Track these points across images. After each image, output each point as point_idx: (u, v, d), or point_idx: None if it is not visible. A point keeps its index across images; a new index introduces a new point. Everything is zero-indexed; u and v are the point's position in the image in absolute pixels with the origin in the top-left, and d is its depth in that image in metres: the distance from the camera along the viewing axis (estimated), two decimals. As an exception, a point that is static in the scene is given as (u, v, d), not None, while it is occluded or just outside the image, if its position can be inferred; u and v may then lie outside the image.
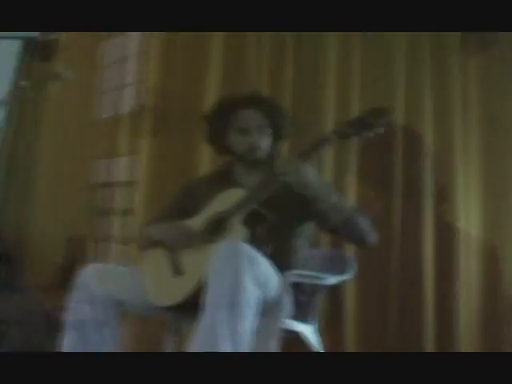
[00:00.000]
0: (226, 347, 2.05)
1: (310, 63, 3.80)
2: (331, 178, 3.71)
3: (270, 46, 3.86)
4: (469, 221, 3.63)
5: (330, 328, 3.61)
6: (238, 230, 2.38)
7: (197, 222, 2.52)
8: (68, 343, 2.42)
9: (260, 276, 2.18)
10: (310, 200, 2.38)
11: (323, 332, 3.55)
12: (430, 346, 3.59)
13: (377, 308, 3.65)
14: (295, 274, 2.49)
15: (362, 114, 2.39)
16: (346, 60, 3.72)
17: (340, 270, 2.74)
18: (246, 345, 2.11)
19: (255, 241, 2.33)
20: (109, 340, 2.46)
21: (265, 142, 2.62)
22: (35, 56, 3.81)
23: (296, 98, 3.78)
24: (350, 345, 3.58)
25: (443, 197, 3.77)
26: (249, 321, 2.13)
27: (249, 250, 2.19)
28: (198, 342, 2.07)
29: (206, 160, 3.53)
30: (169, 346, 2.72)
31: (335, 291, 3.57)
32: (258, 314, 2.21)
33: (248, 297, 2.12)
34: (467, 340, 3.65)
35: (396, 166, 3.73)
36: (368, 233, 2.50)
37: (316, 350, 2.62)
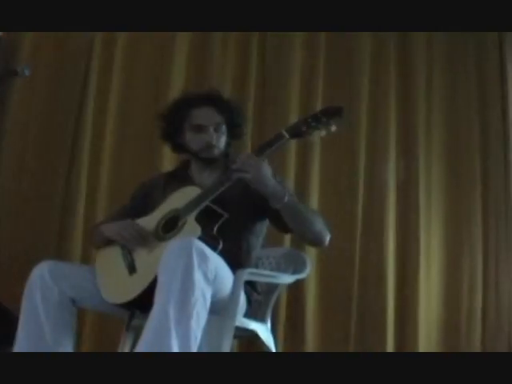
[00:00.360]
0: (174, 344, 2.04)
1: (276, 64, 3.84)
2: (293, 177, 3.76)
3: (234, 46, 3.89)
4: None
5: (290, 327, 3.64)
6: (191, 227, 2.37)
7: (151, 219, 2.52)
8: (22, 340, 2.39)
9: (211, 273, 2.18)
10: (265, 197, 2.39)
11: (284, 331, 3.60)
12: (390, 347, 3.64)
13: (338, 308, 3.69)
14: (249, 273, 2.49)
15: (314, 112, 2.40)
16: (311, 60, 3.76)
17: (297, 269, 2.74)
18: (195, 341, 2.11)
19: (208, 238, 2.33)
20: (65, 336, 2.44)
21: (221, 141, 2.63)
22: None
23: (260, 99, 3.82)
24: (310, 345, 3.62)
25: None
26: (199, 317, 2.13)
27: (200, 247, 2.19)
28: (147, 338, 2.06)
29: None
30: (126, 344, 2.71)
31: (295, 290, 3.61)
32: (209, 312, 2.21)
33: (198, 293, 2.12)
34: (427, 340, 3.71)
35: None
36: (324, 233, 2.50)
37: (269, 350, 2.62)
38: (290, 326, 3.62)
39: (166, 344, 2.04)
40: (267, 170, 2.34)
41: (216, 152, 2.61)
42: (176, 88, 3.71)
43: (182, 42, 3.88)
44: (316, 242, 2.55)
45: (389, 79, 3.97)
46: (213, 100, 2.64)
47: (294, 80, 3.83)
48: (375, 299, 3.72)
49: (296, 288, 3.57)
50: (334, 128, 2.36)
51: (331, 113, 2.38)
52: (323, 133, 2.37)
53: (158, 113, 2.72)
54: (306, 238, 2.54)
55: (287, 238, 3.52)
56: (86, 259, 3.47)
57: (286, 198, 2.35)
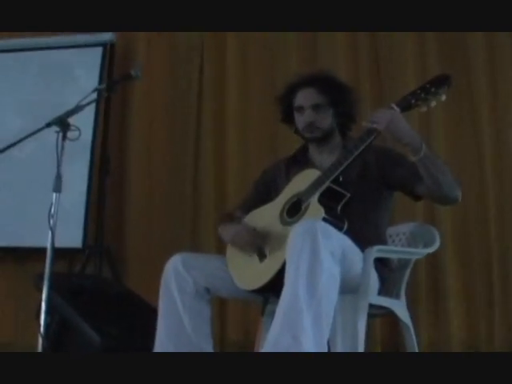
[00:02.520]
0: (306, 324, 2.07)
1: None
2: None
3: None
4: None
5: (431, 302, 3.56)
6: (314, 209, 2.39)
7: (276, 205, 2.56)
8: (162, 330, 2.51)
9: (338, 252, 2.20)
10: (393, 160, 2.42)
11: (426, 306, 3.53)
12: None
13: (478, 276, 3.57)
14: (378, 250, 2.47)
15: (423, 84, 2.36)
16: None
17: (427, 244, 2.69)
18: (327, 320, 2.13)
19: (332, 219, 2.34)
20: (203, 325, 2.54)
21: (323, 120, 2.61)
22: (115, 60, 4.03)
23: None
24: (453, 320, 3.52)
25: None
26: (329, 297, 2.15)
27: (325, 227, 2.21)
28: (280, 320, 2.11)
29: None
30: (264, 329, 2.76)
31: (433, 265, 3.53)
32: (342, 291, 2.23)
33: (326, 273, 2.14)
34: None
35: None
36: (457, 188, 2.39)
37: (406, 326, 2.60)
38: (431, 300, 3.56)
39: (298, 324, 2.07)
40: (401, 120, 2.31)
41: (317, 132, 2.60)
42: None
43: (291, 41, 3.94)
44: (450, 196, 2.41)
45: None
46: (314, 80, 2.64)
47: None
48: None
49: (434, 262, 3.51)
50: (443, 97, 2.33)
51: (440, 82, 2.34)
52: (433, 103, 2.34)
53: (275, 98, 2.75)
54: (442, 192, 2.38)
55: (417, 213, 3.47)
56: (220, 250, 3.56)
57: (423, 150, 2.29)
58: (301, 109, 2.62)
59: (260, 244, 2.49)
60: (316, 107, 2.60)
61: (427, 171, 2.33)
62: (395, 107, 2.36)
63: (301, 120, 2.63)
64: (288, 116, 2.71)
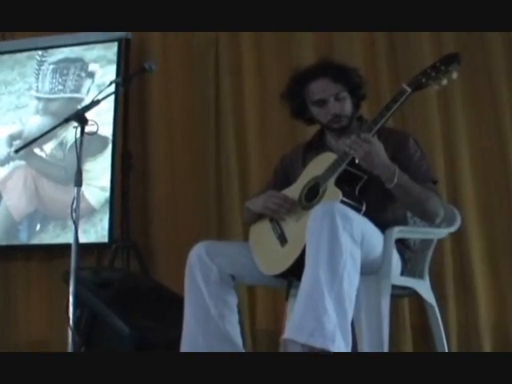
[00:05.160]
0: (329, 306, 2.08)
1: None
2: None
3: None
4: None
5: (459, 282, 3.54)
6: (331, 192, 2.40)
7: (294, 190, 2.58)
8: (190, 319, 2.54)
9: (357, 234, 2.21)
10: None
11: (454, 286, 3.51)
12: None
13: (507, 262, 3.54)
14: (399, 231, 2.48)
15: (433, 62, 2.37)
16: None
17: (449, 224, 2.69)
18: (350, 302, 2.14)
19: (351, 201, 2.36)
20: (229, 312, 2.56)
21: (346, 108, 2.60)
22: (131, 55, 4.06)
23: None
24: (481, 297, 3.49)
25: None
26: (351, 279, 2.15)
27: (343, 210, 2.22)
28: (302, 303, 2.12)
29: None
30: (288, 313, 2.78)
31: (459, 245, 3.52)
32: (365, 273, 2.25)
33: (346, 255, 2.15)
34: None
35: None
36: (435, 213, 2.48)
37: (430, 305, 2.61)
38: (458, 280, 3.54)
39: (320, 307, 2.08)
40: (377, 155, 2.35)
41: (344, 120, 2.60)
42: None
43: (307, 40, 3.93)
44: (426, 219, 2.55)
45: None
46: (325, 70, 2.62)
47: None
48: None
49: (460, 242, 3.50)
50: (454, 75, 2.35)
51: (449, 60, 2.36)
52: (445, 81, 2.36)
53: (280, 94, 2.74)
54: (416, 215, 2.58)
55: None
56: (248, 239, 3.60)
57: (396, 180, 2.36)
58: (323, 101, 2.59)
59: (290, 207, 2.51)
60: (337, 96, 2.59)
61: (401, 198, 2.44)
62: (407, 88, 2.38)
63: (324, 112, 2.60)
64: (300, 111, 2.70)
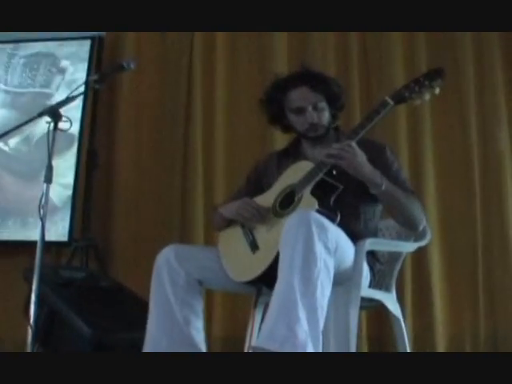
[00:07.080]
0: (301, 316, 2.07)
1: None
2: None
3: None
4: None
5: (417, 296, 3.60)
6: (307, 201, 2.40)
7: (268, 197, 2.56)
8: (154, 322, 2.50)
9: (332, 244, 2.20)
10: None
11: (412, 300, 3.57)
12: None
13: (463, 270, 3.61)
14: (371, 242, 2.49)
15: (417, 77, 2.40)
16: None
17: (417, 238, 2.71)
18: (322, 312, 2.13)
19: (325, 211, 2.35)
20: (195, 317, 2.52)
21: (323, 117, 2.60)
22: (104, 53, 4.02)
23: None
24: (438, 312, 3.56)
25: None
26: (324, 288, 2.15)
27: (318, 219, 2.21)
28: (275, 312, 2.10)
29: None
30: (255, 321, 2.76)
31: (419, 259, 3.57)
32: (334, 283, 2.23)
33: (321, 264, 2.15)
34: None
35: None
36: (418, 220, 2.52)
37: (396, 319, 2.62)
38: (417, 294, 3.59)
39: (293, 316, 2.07)
40: (362, 157, 2.36)
41: (321, 130, 2.60)
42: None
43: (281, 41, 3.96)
44: (410, 227, 2.56)
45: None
46: (305, 79, 2.61)
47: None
48: (500, 259, 3.63)
49: (420, 256, 3.54)
50: (437, 90, 2.38)
51: (433, 76, 2.39)
52: (427, 96, 2.39)
53: (259, 99, 2.73)
54: (400, 222, 2.57)
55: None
56: (209, 242, 3.57)
57: (384, 186, 2.38)
58: (301, 110, 2.59)
59: (263, 217, 2.49)
60: (316, 106, 2.59)
61: (387, 204, 2.48)
62: (390, 101, 2.39)
63: (302, 121, 2.60)
64: (278, 117, 2.69)
